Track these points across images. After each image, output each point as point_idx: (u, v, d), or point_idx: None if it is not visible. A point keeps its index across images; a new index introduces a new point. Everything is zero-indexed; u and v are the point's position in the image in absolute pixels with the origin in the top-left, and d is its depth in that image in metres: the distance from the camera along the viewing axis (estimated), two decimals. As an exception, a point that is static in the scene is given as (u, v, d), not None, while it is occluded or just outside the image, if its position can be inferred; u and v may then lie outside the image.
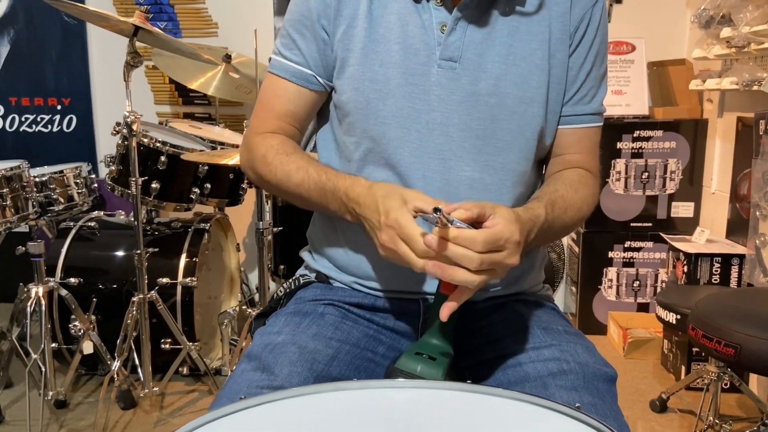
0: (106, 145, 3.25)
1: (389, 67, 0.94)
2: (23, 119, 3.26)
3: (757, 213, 2.09)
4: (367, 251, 0.98)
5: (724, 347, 1.44)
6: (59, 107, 3.25)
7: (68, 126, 3.27)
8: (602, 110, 1.03)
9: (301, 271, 1.11)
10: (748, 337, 1.41)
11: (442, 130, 0.94)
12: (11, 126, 3.26)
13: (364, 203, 0.87)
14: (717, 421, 2.05)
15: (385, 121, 0.95)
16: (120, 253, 2.39)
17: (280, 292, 1.09)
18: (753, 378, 2.32)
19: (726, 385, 2.21)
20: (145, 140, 2.18)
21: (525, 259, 1.02)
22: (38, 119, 3.26)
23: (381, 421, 0.68)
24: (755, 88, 2.05)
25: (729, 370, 2.08)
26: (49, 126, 3.27)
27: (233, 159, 1.85)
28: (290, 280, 1.09)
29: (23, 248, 2.02)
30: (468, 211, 0.78)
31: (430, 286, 0.97)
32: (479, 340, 0.97)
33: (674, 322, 1.99)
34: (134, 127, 1.94)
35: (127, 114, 1.95)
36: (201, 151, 2.30)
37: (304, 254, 1.11)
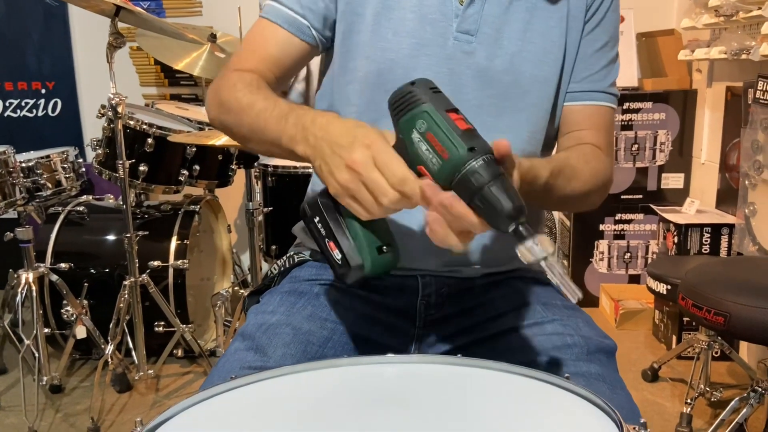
0: (93, 128, 3.22)
1: (402, 36, 0.90)
2: (7, 104, 3.21)
3: (747, 182, 2.10)
4: None
5: (713, 316, 1.45)
6: (44, 91, 3.20)
7: (53, 110, 3.23)
8: (614, 92, 0.99)
9: (294, 248, 1.08)
10: (737, 306, 1.42)
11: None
12: (-5, 111, 3.22)
13: (334, 126, 0.75)
14: (708, 388, 2.08)
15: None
16: (110, 237, 2.37)
17: (275, 269, 1.06)
18: (743, 346, 2.35)
19: (716, 353, 2.23)
20: (131, 122, 2.16)
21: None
22: (23, 104, 3.22)
23: (373, 396, 0.68)
24: (744, 56, 2.04)
25: (719, 338, 2.11)
26: (34, 110, 3.22)
27: (221, 140, 1.84)
28: (284, 258, 1.06)
29: (11, 234, 2.01)
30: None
31: (429, 263, 0.95)
32: (479, 318, 0.96)
33: (665, 292, 2.00)
34: (119, 110, 1.91)
35: (112, 96, 1.92)
36: (188, 132, 2.28)
37: (298, 231, 1.08)
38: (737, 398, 1.73)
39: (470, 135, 0.66)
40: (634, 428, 0.55)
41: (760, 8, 1.93)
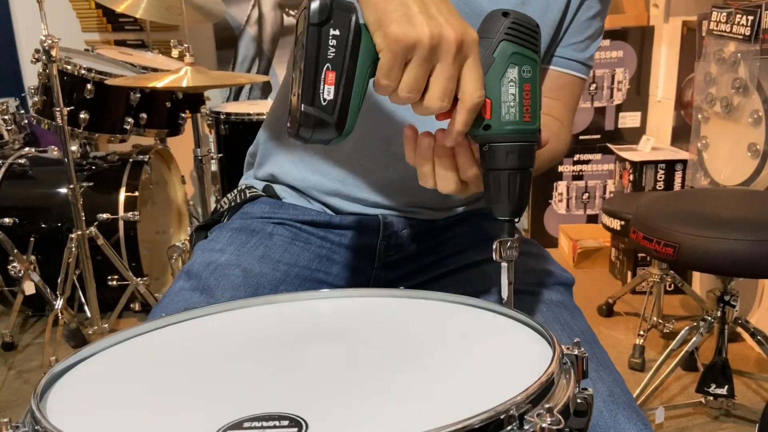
0: (34, 77, 3.06)
1: None
2: (-62, 53, 3.03)
3: (699, 116, 2.10)
4: (325, 161, 0.90)
5: (663, 247, 1.46)
6: (-22, 39, 3.02)
7: (-11, 59, 3.06)
8: (591, 64, 0.96)
9: (246, 180, 1.01)
10: (686, 236, 1.43)
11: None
12: (-74, 61, 3.04)
13: None
14: (660, 320, 2.13)
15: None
16: (56, 190, 2.28)
17: (224, 203, 0.99)
18: (695, 278, 2.41)
19: (669, 287, 2.29)
20: (69, 67, 2.05)
21: None
22: (-45, 53, 3.04)
23: (308, 330, 0.66)
24: (698, -12, 2.02)
25: (671, 271, 2.15)
26: (-31, 60, 3.05)
27: (162, 81, 1.75)
28: (234, 192, 0.99)
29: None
30: None
31: (393, 201, 0.91)
32: (439, 255, 0.94)
33: (618, 228, 2.02)
34: (53, 53, 1.80)
35: (44, 38, 1.80)
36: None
37: (264, 147, 0.99)
38: (687, 328, 1.77)
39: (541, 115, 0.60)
40: (568, 348, 0.54)
41: (715, -63, 1.90)
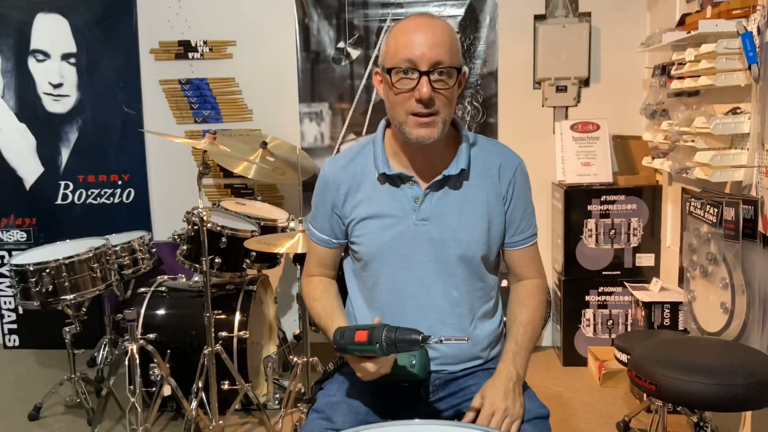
0: (160, 213, 3.84)
1: (385, 230, 1.48)
2: (89, 193, 3.86)
3: (687, 275, 2.64)
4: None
5: (648, 384, 1.97)
6: (119, 182, 3.84)
7: (128, 198, 3.86)
8: (535, 231, 1.58)
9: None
10: (664, 377, 1.93)
11: (423, 265, 1.47)
12: (79, 199, 3.87)
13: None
14: (666, 438, 2.57)
15: (385, 262, 1.49)
16: (190, 312, 2.93)
17: (331, 366, 1.63)
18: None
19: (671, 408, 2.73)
20: (209, 225, 2.76)
21: (490, 336, 1.57)
22: (102, 192, 3.86)
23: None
24: (684, 176, 2.61)
25: (674, 396, 2.61)
26: (111, 198, 3.86)
27: (283, 247, 2.43)
28: (337, 359, 1.62)
29: (122, 316, 2.58)
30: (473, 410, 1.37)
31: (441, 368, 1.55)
32: (458, 400, 1.53)
33: (626, 361, 2.53)
34: (205, 218, 2.51)
35: (200, 210, 2.51)
36: (252, 230, 2.88)
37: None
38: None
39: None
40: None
41: (693, 141, 2.51)
